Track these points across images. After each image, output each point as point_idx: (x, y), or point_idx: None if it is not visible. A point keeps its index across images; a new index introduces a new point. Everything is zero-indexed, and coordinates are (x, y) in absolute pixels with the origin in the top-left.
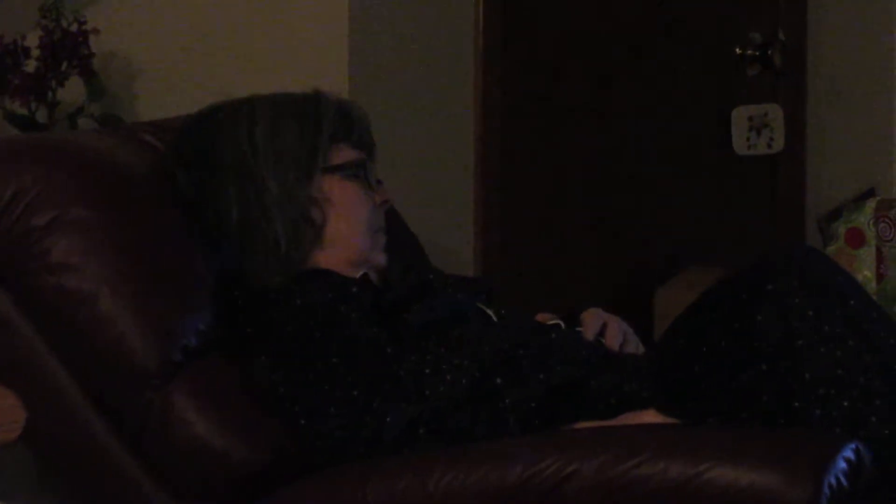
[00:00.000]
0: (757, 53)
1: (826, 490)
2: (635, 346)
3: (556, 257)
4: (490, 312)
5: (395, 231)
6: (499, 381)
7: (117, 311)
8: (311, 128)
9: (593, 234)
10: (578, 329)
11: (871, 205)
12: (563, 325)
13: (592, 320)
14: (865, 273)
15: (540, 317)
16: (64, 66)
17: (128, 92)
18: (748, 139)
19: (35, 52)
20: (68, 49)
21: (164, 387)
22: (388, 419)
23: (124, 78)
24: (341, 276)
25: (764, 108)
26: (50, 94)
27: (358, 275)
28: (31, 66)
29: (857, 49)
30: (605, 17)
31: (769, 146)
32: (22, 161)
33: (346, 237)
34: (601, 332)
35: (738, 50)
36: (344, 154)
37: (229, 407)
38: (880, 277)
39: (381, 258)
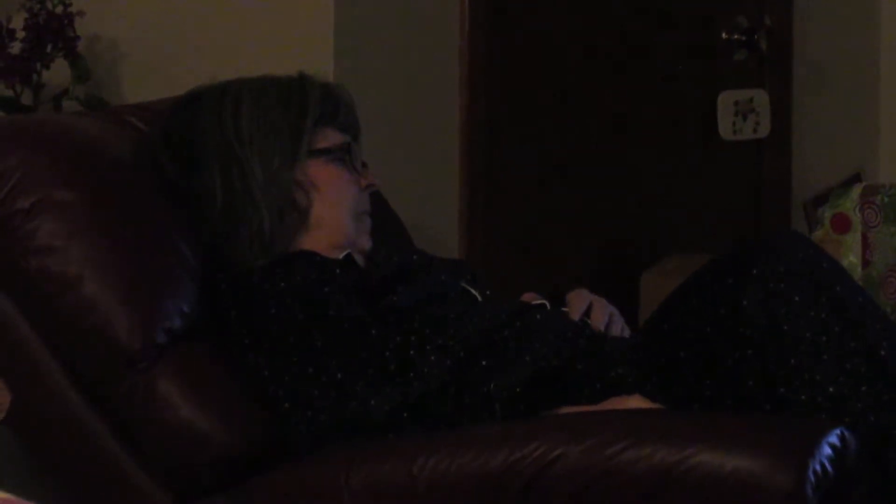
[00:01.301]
0: (743, 38)
1: (811, 476)
2: (620, 329)
3: (541, 241)
4: (475, 293)
5: (380, 214)
6: (483, 362)
7: (101, 293)
8: (296, 111)
9: (579, 218)
10: (564, 309)
11: (856, 190)
12: (548, 305)
13: (578, 301)
14: (851, 259)
15: (525, 296)
16: (49, 48)
17: (112, 75)
18: (734, 124)
19: (20, 35)
20: (53, 31)
21: (148, 369)
22: (372, 402)
23: (109, 60)
24: (325, 258)
25: (750, 93)
26: (35, 76)
27: (341, 256)
28: (15, 48)
29: (842, 34)
30: (592, 1)
31: (755, 131)
32: (6, 143)
33: (330, 221)
34: (587, 313)
35: (724, 35)
36: (329, 137)
37: (213, 390)
38: (866, 263)
39: (366, 241)
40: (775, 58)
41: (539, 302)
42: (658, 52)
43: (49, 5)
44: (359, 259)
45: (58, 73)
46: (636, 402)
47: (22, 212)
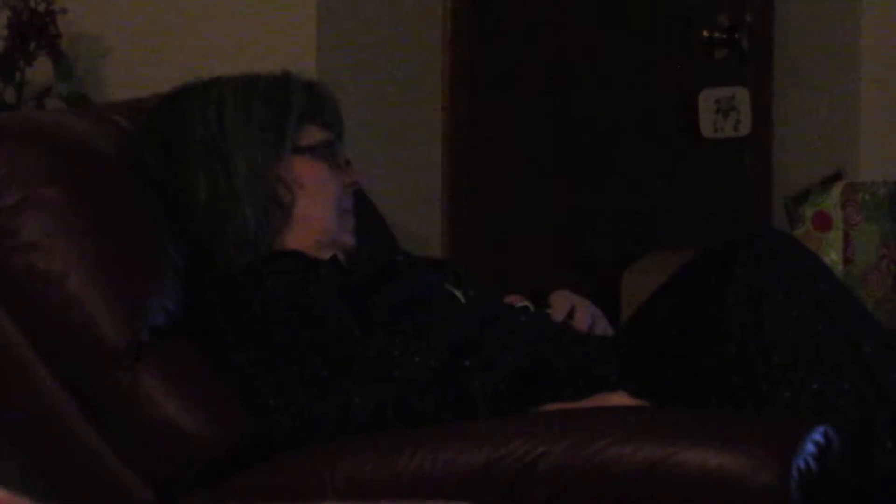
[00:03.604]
0: (724, 37)
1: (794, 473)
2: (604, 329)
3: (524, 240)
4: (458, 294)
5: (363, 212)
6: (467, 363)
7: (86, 291)
8: (279, 108)
9: (561, 217)
10: (547, 311)
11: (837, 188)
12: (531, 307)
13: (561, 302)
14: (832, 256)
15: (509, 299)
16: (32, 46)
17: (95, 72)
18: (715, 122)
19: (2, 32)
20: (36, 29)
21: (132, 367)
22: (356, 400)
23: (92, 58)
24: (310, 257)
25: (731, 91)
26: (18, 74)
27: (327, 256)
28: None
29: (823, 32)
30: (572, 1)
31: (736, 129)
32: None
33: (314, 218)
34: (570, 315)
35: (705, 33)
36: (313, 134)
37: (197, 387)
38: (847, 261)
39: (349, 239)
40: (756, 56)
41: (522, 304)
42: (639, 50)
43: (32, 3)
44: (342, 257)
45: (41, 70)
46: (620, 399)
47: (7, 209)
